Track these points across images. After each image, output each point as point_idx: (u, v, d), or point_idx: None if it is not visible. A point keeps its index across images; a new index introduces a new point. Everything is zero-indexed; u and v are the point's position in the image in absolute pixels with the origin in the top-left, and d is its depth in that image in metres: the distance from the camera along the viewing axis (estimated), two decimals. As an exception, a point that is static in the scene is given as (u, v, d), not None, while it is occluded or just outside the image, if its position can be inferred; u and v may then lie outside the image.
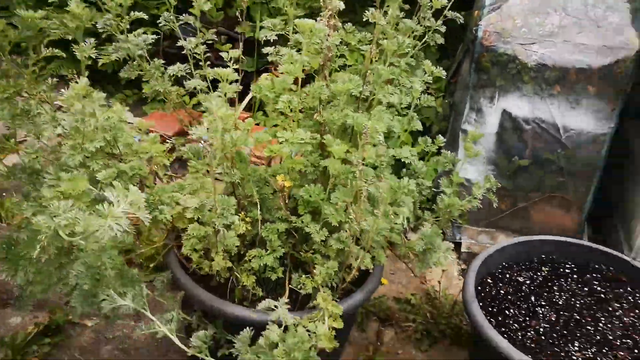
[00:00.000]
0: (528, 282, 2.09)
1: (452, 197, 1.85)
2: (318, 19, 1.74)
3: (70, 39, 1.47)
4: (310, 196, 1.74)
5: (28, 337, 1.98)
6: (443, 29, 1.95)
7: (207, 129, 1.54)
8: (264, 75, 2.02)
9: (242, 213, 1.82)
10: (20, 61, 1.43)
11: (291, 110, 1.70)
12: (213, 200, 1.64)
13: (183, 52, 2.00)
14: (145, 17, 1.93)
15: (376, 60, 1.84)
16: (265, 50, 1.93)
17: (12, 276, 1.23)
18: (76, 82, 1.26)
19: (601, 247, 2.16)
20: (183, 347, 1.37)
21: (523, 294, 2.04)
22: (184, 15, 2.00)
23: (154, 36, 1.99)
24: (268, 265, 1.76)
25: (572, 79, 2.38)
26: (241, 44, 1.85)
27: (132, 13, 1.87)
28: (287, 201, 1.86)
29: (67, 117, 1.31)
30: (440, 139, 1.87)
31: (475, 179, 2.66)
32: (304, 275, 1.78)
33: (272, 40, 1.89)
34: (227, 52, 1.74)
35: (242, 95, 1.98)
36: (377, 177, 1.76)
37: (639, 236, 2.43)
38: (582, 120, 2.44)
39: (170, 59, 2.20)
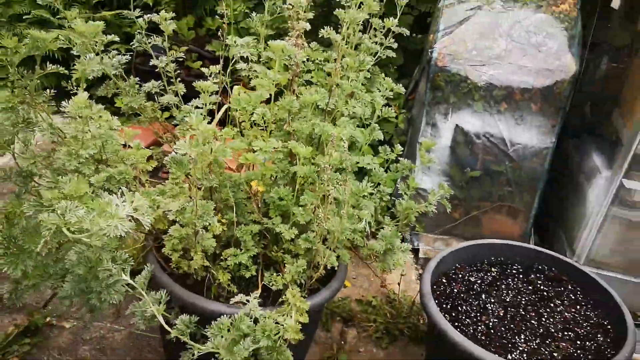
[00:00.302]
0: (479, 281, 2.29)
1: (409, 201, 2.04)
2: (287, 38, 1.92)
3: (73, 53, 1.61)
4: (280, 198, 1.90)
5: (9, 337, 2.06)
6: (395, 45, 2.15)
7: (188, 141, 1.68)
8: (237, 88, 2.18)
9: (219, 215, 1.96)
10: (26, 74, 1.55)
11: (264, 122, 1.86)
12: (193, 204, 1.78)
13: (155, 69, 2.15)
14: (118, 39, 2.07)
15: (340, 77, 2.03)
16: (239, 66, 2.09)
17: (13, 269, 1.35)
18: (75, 94, 1.40)
19: (546, 250, 2.38)
20: (167, 328, 1.50)
21: (474, 292, 2.23)
22: (155, 36, 2.14)
23: (128, 57, 2.12)
24: (242, 264, 1.91)
25: (517, 98, 2.62)
26: (221, 61, 2.01)
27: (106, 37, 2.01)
28: (259, 205, 2.02)
29: (69, 126, 1.44)
30: (399, 147, 2.06)
31: (431, 189, 2.86)
32: (274, 273, 1.93)
33: (245, 57, 2.06)
34: (208, 68, 1.89)
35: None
36: (341, 181, 1.94)
37: (580, 243, 2.67)
38: (527, 135, 2.68)
39: (142, 75, 2.33)
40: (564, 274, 2.33)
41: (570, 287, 2.28)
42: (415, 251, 2.98)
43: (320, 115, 2.05)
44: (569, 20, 2.66)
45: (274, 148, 1.84)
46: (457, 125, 2.73)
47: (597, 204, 2.57)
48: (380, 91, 2.01)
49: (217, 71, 1.89)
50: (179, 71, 2.17)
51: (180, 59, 2.20)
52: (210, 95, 1.75)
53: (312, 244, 1.88)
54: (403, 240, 2.40)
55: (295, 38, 1.87)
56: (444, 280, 2.28)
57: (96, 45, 1.85)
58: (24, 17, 3.67)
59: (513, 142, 2.69)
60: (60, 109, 1.48)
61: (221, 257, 1.92)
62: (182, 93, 2.20)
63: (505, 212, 2.87)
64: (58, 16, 3.68)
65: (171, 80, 2.09)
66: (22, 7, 3.74)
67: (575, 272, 2.30)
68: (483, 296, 2.21)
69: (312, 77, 2.07)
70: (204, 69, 1.90)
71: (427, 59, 2.68)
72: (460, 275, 2.32)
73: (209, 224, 1.78)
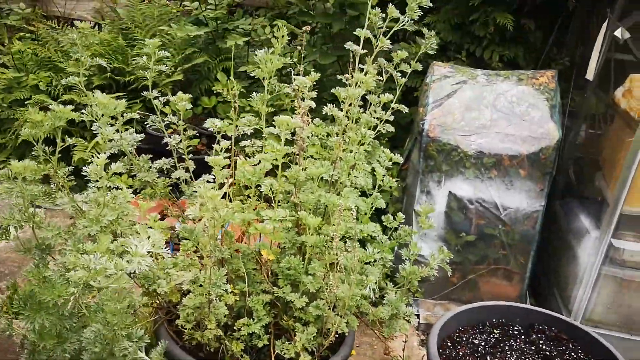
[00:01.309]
0: (483, 343, 2.34)
1: (412, 267, 2.11)
2: (294, 115, 2.05)
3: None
4: (289, 268, 1.97)
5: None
6: (391, 118, 2.29)
7: (200, 206, 1.77)
8: (240, 162, 2.29)
9: (231, 286, 2.02)
10: (48, 149, 1.64)
11: (272, 192, 1.95)
12: (206, 272, 1.84)
13: (154, 147, 2.27)
14: (137, 117, 2.20)
15: (343, 150, 2.15)
16: (243, 143, 2.20)
17: (31, 322, 1.39)
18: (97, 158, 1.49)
19: (544, 310, 2.44)
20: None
21: (479, 354, 2.28)
22: (167, 116, 2.26)
23: (142, 135, 2.23)
24: (255, 333, 1.95)
25: (506, 164, 2.76)
26: (233, 138, 2.12)
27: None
28: (269, 274, 2.08)
29: (91, 191, 1.53)
30: (401, 215, 2.16)
31: (430, 254, 2.95)
32: (286, 342, 1.97)
33: (246, 134, 2.18)
34: (206, 145, 1.99)
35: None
36: (347, 250, 2.02)
37: (575, 302, 2.74)
38: (517, 199, 2.80)
39: (144, 153, 2.44)
40: (564, 332, 2.39)
41: (571, 346, 2.33)
42: (415, 317, 3.02)
43: (324, 186, 2.16)
44: (549, 92, 2.85)
45: (282, 217, 1.93)
46: (450, 192, 2.85)
47: (589, 264, 2.67)
48: (380, 162, 2.13)
49: (227, 147, 1.99)
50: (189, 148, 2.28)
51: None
52: (220, 170, 1.85)
53: (322, 311, 1.94)
54: (407, 305, 2.46)
55: (301, 115, 1.99)
56: (448, 344, 2.32)
57: (115, 122, 1.96)
58: (25, 102, 3.79)
59: (505, 207, 2.81)
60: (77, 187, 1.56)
61: (234, 328, 1.96)
62: (192, 169, 2.31)
63: (501, 274, 2.95)
64: (58, 100, 3.82)
65: (182, 157, 2.19)
66: (22, 92, 3.87)
67: (574, 331, 2.36)
68: (488, 358, 2.25)
69: (316, 152, 2.18)
70: (215, 146, 2.00)
71: (419, 130, 2.83)
72: (464, 338, 2.36)
73: (223, 293, 1.83)
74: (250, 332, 1.93)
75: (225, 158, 1.92)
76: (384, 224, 2.18)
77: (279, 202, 2.02)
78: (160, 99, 2.23)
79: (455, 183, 2.84)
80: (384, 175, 2.09)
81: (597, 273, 2.66)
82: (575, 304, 2.75)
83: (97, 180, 1.57)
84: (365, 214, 2.16)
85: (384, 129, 2.32)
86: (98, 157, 1.48)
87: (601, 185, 2.84)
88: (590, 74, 2.95)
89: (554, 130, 2.74)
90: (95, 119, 1.73)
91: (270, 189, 1.96)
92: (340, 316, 1.96)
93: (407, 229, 2.17)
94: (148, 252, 1.25)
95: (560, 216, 3.04)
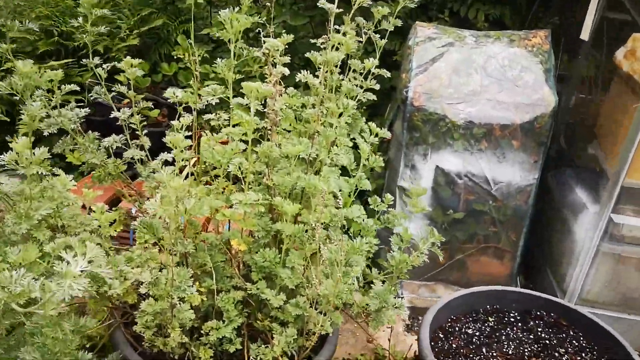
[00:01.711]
0: (477, 333, 2.14)
1: (402, 254, 1.88)
2: (263, 84, 1.76)
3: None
4: (264, 260, 1.71)
5: None
6: (377, 87, 2.03)
7: (161, 200, 1.49)
8: (205, 139, 2.00)
9: (197, 283, 1.75)
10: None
11: (242, 173, 1.68)
12: (168, 273, 1.57)
13: (107, 119, 1.96)
14: (78, 88, 1.87)
15: (321, 123, 1.87)
16: (207, 117, 1.91)
17: None
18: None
19: (540, 294, 2.25)
20: None
21: (474, 345, 2.07)
22: (119, 85, 1.96)
23: (87, 110, 1.92)
24: (226, 337, 1.70)
25: (497, 135, 2.53)
26: (195, 111, 1.83)
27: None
28: (240, 267, 1.82)
29: (11, 180, 1.23)
30: (389, 197, 1.91)
31: (415, 234, 2.72)
32: (262, 345, 1.72)
33: (210, 105, 1.89)
34: (167, 116, 1.71)
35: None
36: (329, 238, 1.76)
37: (570, 282, 2.56)
38: (509, 172, 2.58)
39: (96, 127, 2.13)
40: (563, 318, 2.20)
41: (572, 333, 2.15)
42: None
43: (301, 165, 1.89)
44: (542, 54, 2.61)
45: (254, 201, 1.66)
46: (437, 166, 2.61)
47: (586, 240, 2.48)
48: (364, 138, 1.86)
49: (189, 123, 1.70)
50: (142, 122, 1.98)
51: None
52: (181, 152, 1.56)
53: (303, 310, 1.69)
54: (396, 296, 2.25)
55: (273, 84, 1.71)
56: (440, 335, 2.11)
57: (53, 97, 1.65)
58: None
59: (496, 181, 2.59)
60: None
61: (201, 331, 1.71)
62: (147, 147, 2.01)
63: (491, 253, 2.75)
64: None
65: (136, 132, 1.89)
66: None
67: (573, 315, 2.17)
68: (484, 350, 2.05)
69: (290, 125, 1.90)
70: (173, 122, 1.71)
71: (402, 98, 2.57)
72: (457, 328, 2.16)
73: (187, 294, 1.57)
74: (220, 337, 1.68)
75: (186, 137, 1.63)
76: (370, 206, 1.93)
77: (249, 184, 1.75)
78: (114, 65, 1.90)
79: (443, 156, 2.60)
80: (369, 153, 1.82)
81: (595, 250, 2.47)
82: (571, 283, 2.56)
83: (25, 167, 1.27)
84: (350, 195, 1.90)
85: (364, 97, 2.05)
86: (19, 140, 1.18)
87: (598, 155, 2.63)
88: (585, 34, 2.71)
89: (549, 95, 2.50)
90: (16, 92, 1.42)
91: (239, 168, 1.68)
92: (324, 314, 1.72)
93: (396, 213, 1.93)
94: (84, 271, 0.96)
95: (553, 188, 2.84)
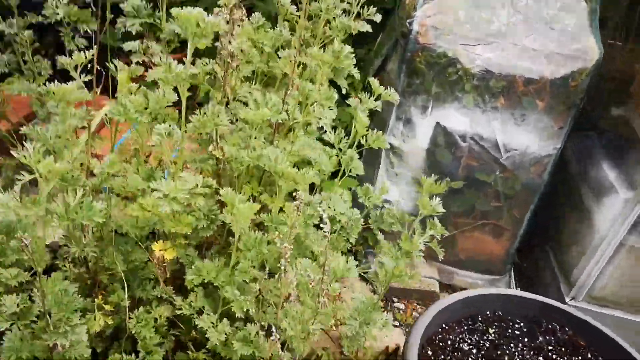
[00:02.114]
0: (475, 350, 1.68)
1: (399, 261, 1.36)
2: (216, 9, 1.14)
3: None
4: (201, 275, 1.17)
5: None
6: (378, 18, 1.48)
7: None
8: (122, 75, 1.38)
9: (99, 297, 1.21)
10: None
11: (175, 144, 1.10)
12: (39, 301, 1.01)
13: None
14: None
15: (300, 73, 1.28)
16: (128, 46, 1.30)
17: None
18: None
19: (553, 303, 1.80)
20: None
21: (470, 368, 1.63)
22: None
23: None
24: (138, 377, 1.19)
25: (520, 91, 1.97)
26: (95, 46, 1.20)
27: None
28: (167, 271, 1.27)
29: None
30: (387, 185, 1.37)
31: (396, 200, 2.22)
32: (193, 389, 1.22)
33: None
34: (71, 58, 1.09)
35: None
36: (302, 248, 1.23)
37: (581, 275, 2.12)
38: (527, 139, 2.05)
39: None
40: (581, 336, 1.76)
41: (589, 356, 1.72)
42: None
43: (266, 128, 1.31)
44: (588, -12, 2.02)
45: (191, 190, 1.10)
46: (438, 122, 2.05)
47: (611, 231, 2.01)
48: (361, 99, 1.29)
49: (88, 60, 1.09)
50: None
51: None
52: (72, 115, 0.97)
53: (255, 349, 1.18)
54: (358, 261, 1.77)
55: (230, 11, 1.09)
56: (429, 352, 1.65)
57: None
58: None
59: (508, 148, 2.06)
60: None
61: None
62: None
63: (488, 230, 2.27)
64: None
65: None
66: None
67: (595, 334, 1.74)
68: (482, 375, 1.61)
69: (255, 68, 1.31)
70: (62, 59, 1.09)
71: (403, 31, 1.97)
72: (449, 342, 1.70)
73: (72, 338, 1.02)
74: (130, 381, 1.16)
75: (87, 83, 1.03)
76: (360, 199, 1.39)
77: (184, 162, 1.17)
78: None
79: (447, 111, 2.04)
80: (367, 128, 1.26)
81: (618, 243, 2.01)
82: (581, 277, 2.12)
83: None
84: (333, 177, 1.36)
85: (356, 29, 1.48)
86: None
87: (633, 120, 2.12)
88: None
89: (593, 46, 1.94)
90: None
91: (167, 135, 1.10)
92: (286, 349, 1.22)
93: (396, 210, 1.39)
94: None
95: (570, 159, 2.33)
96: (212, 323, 1.17)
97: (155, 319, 1.22)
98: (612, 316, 2.15)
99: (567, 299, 2.16)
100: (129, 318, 1.21)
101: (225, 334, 1.16)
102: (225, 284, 1.16)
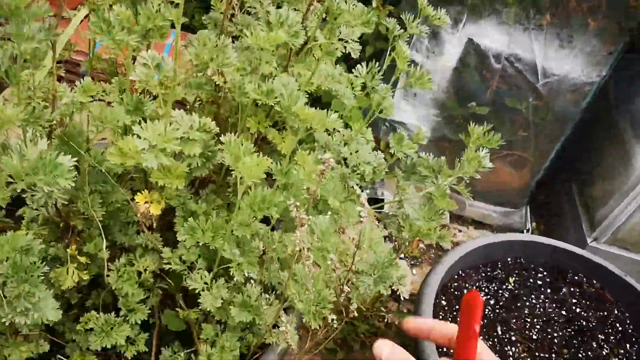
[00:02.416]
0: (492, 302, 1.54)
1: (417, 228, 1.16)
2: None
3: None
4: (195, 235, 0.96)
5: None
6: None
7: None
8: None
9: (72, 246, 1.01)
10: None
11: (162, 84, 0.85)
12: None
13: None
14: None
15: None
16: None
17: None
18: None
19: (583, 252, 1.64)
20: None
21: (487, 320, 1.49)
22: None
23: None
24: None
25: (572, 7, 1.69)
26: None
27: None
28: (153, 223, 1.06)
29: None
30: (423, 131, 1.14)
31: (413, 124, 1.99)
32: (182, 353, 1.06)
33: None
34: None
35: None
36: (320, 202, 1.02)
37: (609, 216, 1.94)
38: (570, 64, 1.80)
39: None
40: (609, 290, 1.62)
41: (616, 312, 1.58)
42: (377, 201, 2.17)
43: (280, 49, 1.06)
44: None
45: (184, 136, 0.87)
46: (470, 39, 1.78)
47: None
48: (406, 24, 1.02)
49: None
50: None
51: None
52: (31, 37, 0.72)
53: (255, 316, 1.00)
54: (360, 188, 1.57)
55: None
56: (443, 302, 1.50)
57: None
58: None
59: (547, 73, 1.81)
60: None
61: (79, 322, 1.01)
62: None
63: (510, 161, 2.07)
64: None
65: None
66: None
67: (624, 288, 1.59)
68: (499, 329, 1.47)
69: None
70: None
71: None
72: (465, 290, 1.55)
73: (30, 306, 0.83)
74: (108, 345, 0.99)
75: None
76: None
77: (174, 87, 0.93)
78: None
79: (483, 27, 1.76)
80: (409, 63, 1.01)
81: (657, 186, 1.83)
82: (609, 217, 1.95)
83: None
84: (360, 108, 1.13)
85: None
86: None
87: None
88: None
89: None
90: None
91: (156, 64, 0.85)
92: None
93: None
94: None
95: (612, 90, 2.08)
96: (206, 284, 0.98)
97: (139, 273, 1.03)
98: (634, 259, 2.01)
99: (588, 240, 2.01)
100: (109, 270, 1.02)
101: (222, 298, 0.97)
102: (223, 244, 0.96)
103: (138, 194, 0.94)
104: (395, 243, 1.66)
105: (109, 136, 1.02)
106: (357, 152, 1.05)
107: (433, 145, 2.04)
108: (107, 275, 1.01)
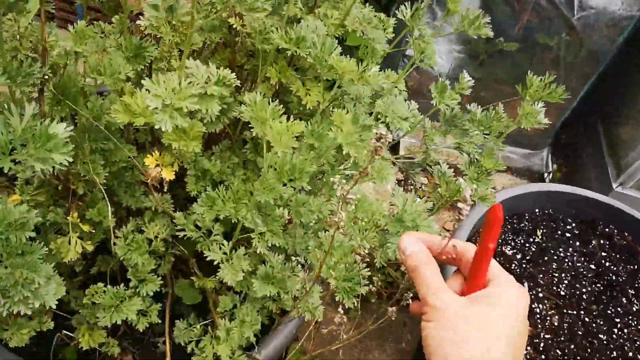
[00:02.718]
0: (519, 256, 1.46)
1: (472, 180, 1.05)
2: None
3: None
4: (215, 207, 0.86)
5: None
6: None
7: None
8: None
9: (75, 207, 0.91)
10: None
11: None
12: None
13: None
14: None
15: None
16: None
17: None
18: None
19: (614, 202, 1.54)
20: None
21: (514, 276, 1.41)
22: None
23: None
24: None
25: None
26: None
27: None
28: (165, 187, 0.95)
29: None
30: (466, 79, 1.01)
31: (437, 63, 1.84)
32: (198, 325, 0.98)
33: None
34: None
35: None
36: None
37: (639, 159, 1.84)
38: (609, -5, 1.64)
39: None
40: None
41: (648, 266, 1.51)
42: (394, 145, 2.06)
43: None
44: None
45: (200, 93, 0.75)
46: (503, -33, 1.62)
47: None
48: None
49: None
50: None
51: None
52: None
53: (279, 289, 0.91)
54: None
55: None
56: (468, 257, 1.42)
57: None
58: None
59: (584, 5, 1.65)
60: None
61: (85, 293, 0.93)
62: None
63: (535, 101, 1.94)
64: None
65: None
66: None
67: (658, 241, 1.51)
68: (526, 286, 1.40)
69: None
70: None
71: None
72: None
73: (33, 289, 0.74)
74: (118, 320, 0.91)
75: None
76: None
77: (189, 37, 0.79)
78: None
79: (518, -46, 1.59)
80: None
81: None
82: (637, 162, 1.85)
83: None
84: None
85: None
86: None
87: None
88: None
89: None
90: None
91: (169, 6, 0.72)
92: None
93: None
94: None
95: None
96: (225, 254, 0.89)
97: (150, 240, 0.93)
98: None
99: (614, 184, 1.91)
100: (115, 237, 0.92)
101: (243, 273, 0.88)
102: (246, 215, 0.86)
103: (148, 156, 0.82)
104: (425, 197, 1.56)
105: (111, 85, 0.89)
106: (392, 105, 0.92)
107: (452, 84, 1.91)
108: (114, 244, 0.91)
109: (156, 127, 0.69)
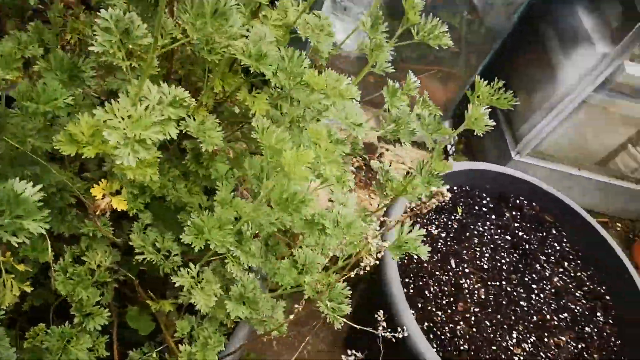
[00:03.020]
0: (443, 234, 1.51)
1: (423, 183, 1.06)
2: None
3: None
4: (202, 235, 0.79)
5: None
6: None
7: None
8: None
9: (4, 246, 0.81)
10: None
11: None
12: None
13: None
14: None
15: None
16: None
17: None
18: None
19: (523, 176, 1.64)
20: None
21: (440, 253, 1.47)
22: None
23: None
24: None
25: None
26: None
27: None
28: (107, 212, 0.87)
29: None
30: (412, 79, 1.01)
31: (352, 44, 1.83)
32: (154, 353, 0.92)
33: None
34: None
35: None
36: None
37: (532, 130, 1.97)
38: (507, -24, 1.71)
39: None
40: (547, 210, 1.65)
41: (554, 233, 1.63)
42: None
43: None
44: None
45: (161, 115, 0.68)
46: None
47: (576, 87, 1.83)
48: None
49: None
50: None
51: None
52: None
53: (252, 310, 0.87)
54: None
55: None
56: (398, 240, 1.45)
57: None
58: None
59: (485, -15, 1.71)
60: None
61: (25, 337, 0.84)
62: None
63: (439, 77, 2.00)
64: None
65: None
66: None
67: (562, 208, 1.63)
68: (453, 262, 1.46)
69: None
70: None
71: None
72: (417, 223, 1.50)
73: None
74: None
75: None
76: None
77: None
78: None
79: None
80: None
81: (581, 100, 1.85)
82: (532, 131, 1.98)
83: None
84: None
85: None
86: None
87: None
88: None
89: None
90: None
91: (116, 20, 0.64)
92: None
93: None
94: None
95: (538, 4, 2.02)
96: (194, 278, 0.83)
97: (92, 271, 0.85)
98: (555, 170, 2.08)
99: (512, 153, 2.04)
100: (54, 271, 0.83)
101: (216, 296, 0.83)
102: (232, 239, 0.80)
103: (94, 185, 0.74)
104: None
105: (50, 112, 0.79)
106: (344, 111, 0.90)
107: (359, 64, 1.92)
108: (55, 276, 0.82)
109: (117, 162, 0.62)
